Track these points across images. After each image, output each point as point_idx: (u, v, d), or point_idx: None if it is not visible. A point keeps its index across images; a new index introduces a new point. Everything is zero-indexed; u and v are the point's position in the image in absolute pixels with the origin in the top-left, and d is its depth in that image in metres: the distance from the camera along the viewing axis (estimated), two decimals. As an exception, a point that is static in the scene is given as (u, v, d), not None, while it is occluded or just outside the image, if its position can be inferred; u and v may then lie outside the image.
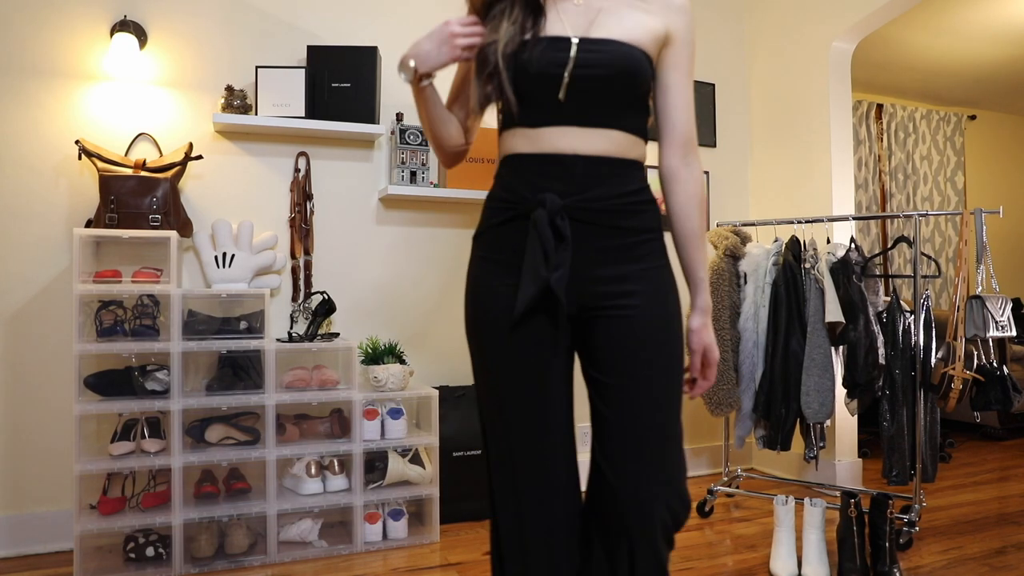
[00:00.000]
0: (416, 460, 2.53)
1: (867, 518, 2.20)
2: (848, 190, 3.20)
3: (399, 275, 2.89)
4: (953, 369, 2.36)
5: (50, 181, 2.45)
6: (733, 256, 2.79)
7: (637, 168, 1.20)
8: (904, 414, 2.52)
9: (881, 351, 2.54)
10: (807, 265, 2.64)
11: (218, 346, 2.31)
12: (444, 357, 2.96)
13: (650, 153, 3.40)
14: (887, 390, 2.55)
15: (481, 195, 2.73)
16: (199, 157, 2.53)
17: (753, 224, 2.94)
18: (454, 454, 2.67)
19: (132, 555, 2.24)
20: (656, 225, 1.22)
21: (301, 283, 2.72)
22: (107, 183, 2.30)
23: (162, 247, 2.53)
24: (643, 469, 1.14)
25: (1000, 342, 4.00)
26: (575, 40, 1.14)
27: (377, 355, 2.54)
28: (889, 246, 2.85)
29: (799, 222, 2.78)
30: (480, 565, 2.29)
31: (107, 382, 2.28)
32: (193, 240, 2.54)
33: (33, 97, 2.44)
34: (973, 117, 5.61)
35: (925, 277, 2.71)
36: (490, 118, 1.30)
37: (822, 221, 2.75)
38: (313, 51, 2.62)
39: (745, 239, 2.84)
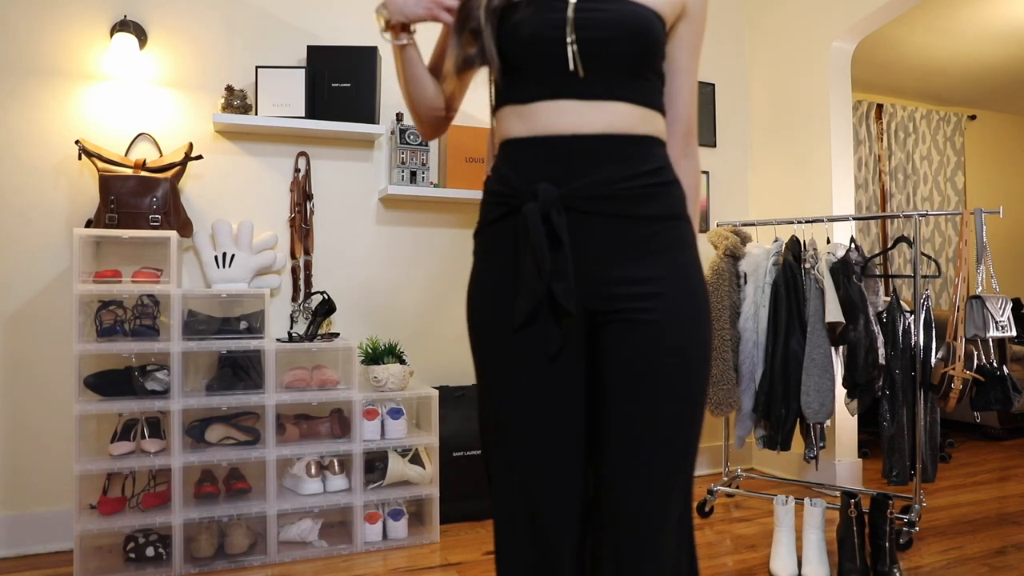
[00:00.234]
0: (416, 460, 2.53)
1: (867, 518, 2.20)
2: (848, 190, 3.20)
3: (399, 275, 2.89)
4: (953, 369, 2.36)
5: (50, 181, 2.45)
6: (733, 256, 2.79)
7: (652, 145, 1.03)
8: (904, 414, 2.52)
9: (881, 351, 2.54)
10: (807, 265, 2.64)
11: (218, 346, 2.31)
12: (444, 357, 2.96)
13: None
14: (887, 390, 2.55)
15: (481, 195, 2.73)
16: (199, 157, 2.53)
17: (753, 224, 2.94)
18: (454, 454, 2.67)
19: (132, 555, 2.24)
20: (679, 210, 1.05)
21: (301, 283, 2.72)
22: (107, 183, 2.30)
23: (162, 247, 2.53)
24: (645, 518, 0.99)
25: (1000, 342, 4.00)
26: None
27: (377, 355, 2.54)
28: (889, 246, 2.85)
29: (799, 222, 2.78)
30: (480, 565, 2.29)
31: (107, 382, 2.28)
32: (193, 240, 2.54)
33: (33, 97, 2.44)
34: (973, 117, 5.61)
35: (925, 277, 2.71)
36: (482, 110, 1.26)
37: (822, 221, 2.75)
38: (313, 51, 2.63)
39: (745, 239, 2.84)
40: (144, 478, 2.41)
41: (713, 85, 3.54)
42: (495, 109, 1.08)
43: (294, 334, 2.53)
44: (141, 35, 2.52)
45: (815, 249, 2.67)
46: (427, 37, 1.54)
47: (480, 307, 1.08)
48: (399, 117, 2.79)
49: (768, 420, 2.66)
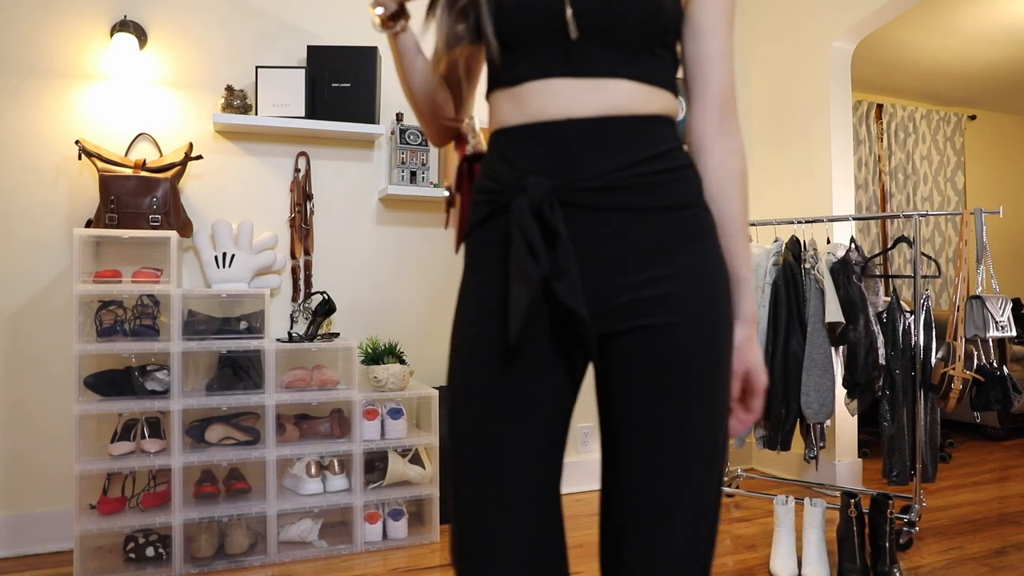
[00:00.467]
0: (416, 460, 2.53)
1: (867, 518, 2.20)
2: (848, 190, 3.20)
3: (399, 275, 2.89)
4: (953, 369, 2.36)
5: (50, 181, 2.45)
6: (733, 256, 2.79)
7: (659, 124, 0.88)
8: (904, 414, 2.52)
9: (881, 351, 2.54)
10: (807, 265, 2.64)
11: (218, 346, 2.31)
12: (444, 357, 2.96)
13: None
14: (887, 390, 2.55)
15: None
16: (199, 157, 2.53)
17: (753, 224, 2.94)
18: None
19: (132, 555, 2.24)
20: (695, 198, 0.89)
21: (301, 283, 2.72)
22: (107, 183, 2.30)
23: (162, 247, 2.53)
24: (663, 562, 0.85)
25: (1000, 342, 4.00)
26: None
27: (377, 355, 2.54)
28: (889, 246, 2.85)
29: (799, 222, 2.78)
30: (480, 565, 2.29)
31: (107, 382, 2.28)
32: (193, 240, 2.54)
33: (33, 97, 2.44)
34: (973, 117, 5.61)
35: (925, 277, 2.71)
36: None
37: (822, 221, 2.75)
38: (313, 51, 2.63)
39: (745, 239, 2.83)
40: (144, 478, 2.41)
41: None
42: (488, 93, 0.96)
43: (294, 334, 2.53)
44: (141, 35, 2.52)
45: (815, 249, 2.67)
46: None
47: (457, 324, 0.93)
48: (399, 117, 2.79)
49: (768, 420, 2.66)
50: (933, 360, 2.47)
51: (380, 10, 0.99)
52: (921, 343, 2.49)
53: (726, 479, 2.93)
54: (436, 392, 2.53)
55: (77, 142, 2.36)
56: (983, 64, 4.67)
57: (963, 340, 2.38)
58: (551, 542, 0.89)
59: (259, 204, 2.70)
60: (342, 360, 2.59)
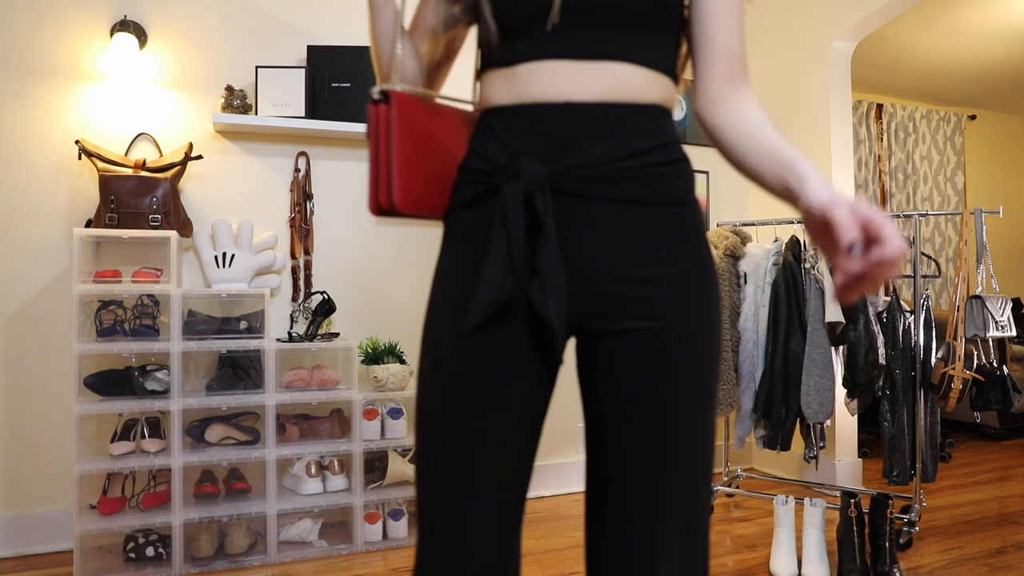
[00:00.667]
0: (416, 460, 2.53)
1: (867, 518, 2.20)
2: (848, 190, 3.20)
3: (399, 275, 2.90)
4: (953, 369, 2.36)
5: (50, 181, 2.45)
6: (733, 256, 2.79)
7: (658, 115, 0.85)
8: (904, 414, 2.52)
9: (881, 351, 2.54)
10: (807, 265, 2.64)
11: (218, 346, 2.31)
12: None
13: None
14: (887, 390, 2.55)
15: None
16: (199, 157, 2.53)
17: (753, 224, 2.94)
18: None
19: (132, 555, 2.24)
20: (688, 195, 0.87)
21: (301, 283, 2.72)
22: (107, 183, 2.30)
23: (162, 247, 2.53)
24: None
25: (1000, 342, 4.00)
26: None
27: (377, 355, 2.54)
28: (889, 246, 2.85)
29: (799, 222, 2.78)
30: (480, 565, 2.29)
31: (107, 382, 2.28)
32: (193, 240, 2.54)
33: (33, 97, 2.44)
34: (973, 117, 5.61)
35: (925, 277, 2.71)
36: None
37: (822, 221, 2.75)
38: (313, 51, 2.63)
39: (745, 239, 2.84)
40: (144, 478, 2.41)
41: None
42: (478, 74, 0.92)
43: (294, 334, 2.53)
44: (141, 35, 2.52)
45: (815, 249, 2.67)
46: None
47: (431, 315, 0.89)
48: (399, 117, 2.79)
49: (768, 420, 2.66)
50: (933, 360, 2.47)
51: None
52: (921, 343, 2.49)
53: (726, 479, 2.93)
54: (436, 392, 2.52)
55: (77, 142, 2.36)
56: (983, 64, 4.67)
57: (963, 340, 2.38)
58: (513, 549, 0.87)
59: (259, 204, 2.70)
60: (342, 360, 2.60)
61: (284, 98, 2.60)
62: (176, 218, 2.40)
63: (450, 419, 0.85)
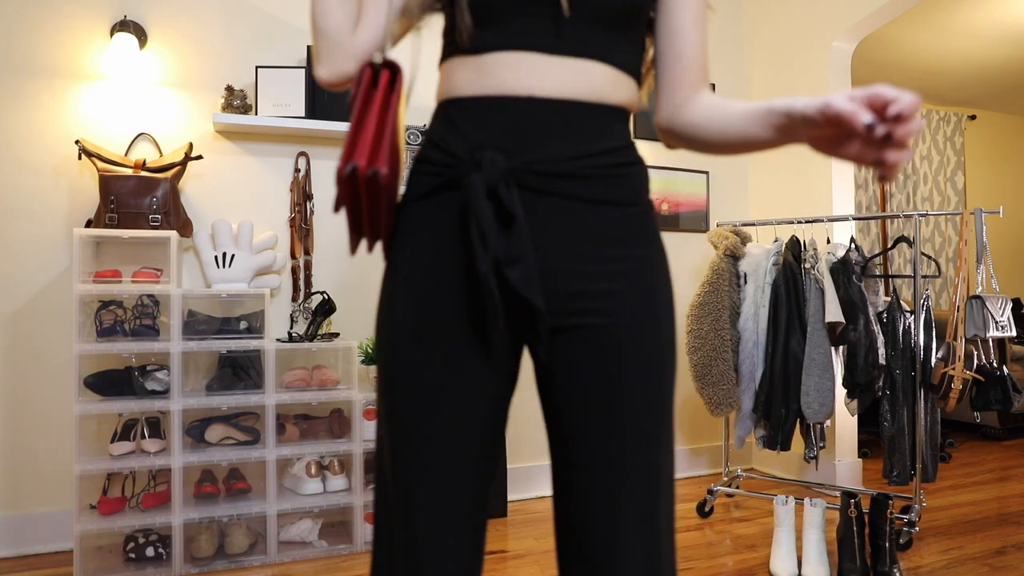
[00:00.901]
0: (416, 460, 2.53)
1: (867, 518, 2.20)
2: (848, 190, 3.20)
3: (399, 275, 2.89)
4: (953, 369, 2.36)
5: (50, 181, 2.45)
6: (733, 256, 2.79)
7: (619, 116, 0.87)
8: (904, 414, 2.52)
9: (881, 351, 2.54)
10: (807, 265, 2.64)
11: (218, 346, 2.31)
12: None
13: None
14: (887, 390, 2.55)
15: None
16: (199, 157, 2.53)
17: (753, 224, 2.94)
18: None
19: (132, 555, 2.24)
20: (643, 196, 0.88)
21: (301, 283, 2.72)
22: (107, 183, 2.30)
23: (162, 247, 2.53)
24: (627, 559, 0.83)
25: (1000, 342, 4.00)
26: None
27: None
28: (889, 246, 2.85)
29: (799, 222, 2.78)
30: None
31: (107, 382, 2.28)
32: (193, 240, 2.54)
33: (33, 97, 2.44)
34: (973, 117, 5.61)
35: (925, 277, 2.71)
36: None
37: (822, 221, 2.75)
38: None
39: (745, 239, 2.84)
40: (144, 478, 2.41)
41: (713, 85, 3.54)
42: (441, 62, 0.89)
43: (294, 334, 2.53)
44: (141, 35, 2.52)
45: (815, 249, 2.67)
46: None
47: (386, 311, 0.86)
48: (399, 117, 2.79)
49: (768, 420, 2.66)
50: (933, 360, 2.47)
51: None
52: (921, 343, 2.49)
53: (726, 479, 2.93)
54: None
55: (77, 142, 2.36)
56: (983, 64, 4.67)
57: (963, 340, 2.38)
58: (478, 550, 0.88)
59: (259, 204, 2.70)
60: (342, 360, 2.60)
61: (284, 98, 2.60)
62: (176, 218, 2.40)
63: (424, 419, 0.83)
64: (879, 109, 0.69)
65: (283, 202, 2.73)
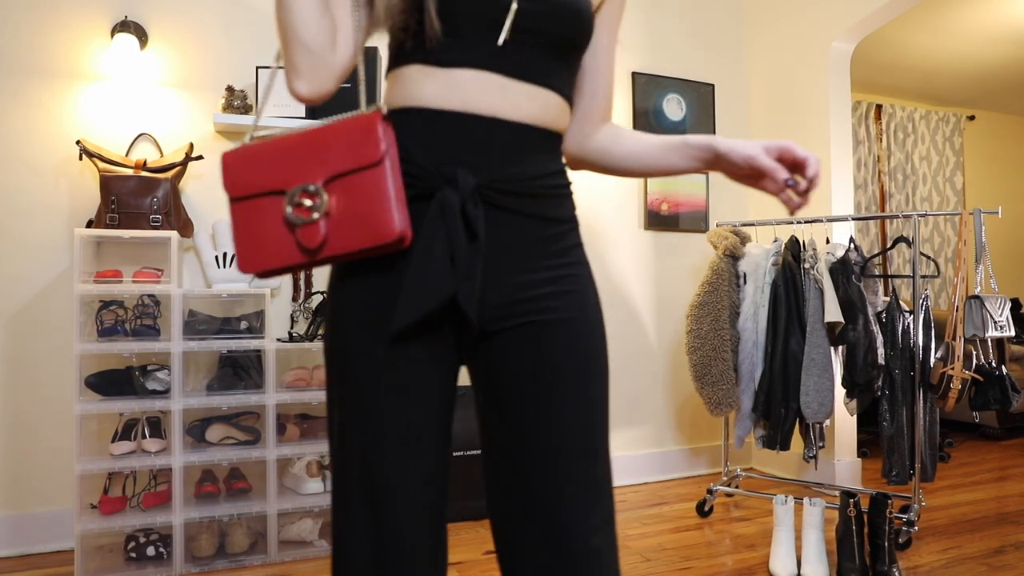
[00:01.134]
0: (416, 460, 2.53)
1: (866, 518, 2.20)
2: (847, 190, 3.21)
3: (399, 275, 2.90)
4: (952, 369, 2.37)
5: (51, 181, 2.46)
6: (732, 256, 2.80)
7: (559, 142, 0.95)
8: (903, 414, 2.53)
9: (880, 351, 2.54)
10: (806, 265, 2.64)
11: (218, 346, 2.31)
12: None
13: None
14: (886, 390, 2.56)
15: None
16: (200, 157, 2.53)
17: (752, 224, 2.95)
18: (454, 454, 2.67)
19: (133, 554, 2.24)
20: (575, 214, 0.97)
21: (301, 283, 2.72)
22: (108, 183, 2.31)
23: (163, 247, 2.53)
24: (591, 535, 0.88)
25: (999, 342, 4.01)
26: None
27: (377, 355, 2.54)
28: (888, 246, 2.86)
29: (798, 222, 2.79)
30: (480, 565, 2.29)
31: (108, 382, 2.28)
32: (194, 240, 2.54)
33: (34, 97, 2.45)
34: (972, 117, 5.62)
35: (924, 277, 2.72)
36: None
37: (821, 221, 2.76)
38: (313, 51, 2.63)
39: (744, 239, 2.84)
40: (145, 478, 2.42)
41: (713, 86, 3.55)
42: (395, 66, 0.91)
43: (294, 334, 2.53)
44: (142, 35, 2.52)
45: (814, 249, 2.68)
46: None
47: (345, 316, 0.89)
48: (399, 117, 2.80)
49: (767, 420, 2.66)
50: (932, 360, 2.48)
51: None
52: (920, 343, 2.49)
53: (726, 479, 2.94)
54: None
55: (78, 142, 2.36)
56: (982, 64, 4.68)
57: (962, 340, 2.39)
58: (439, 539, 0.92)
59: (259, 204, 2.70)
60: (342, 360, 2.60)
61: (285, 98, 2.60)
62: (177, 218, 2.40)
63: (386, 426, 0.87)
64: (788, 162, 0.90)
65: (283, 202, 2.73)
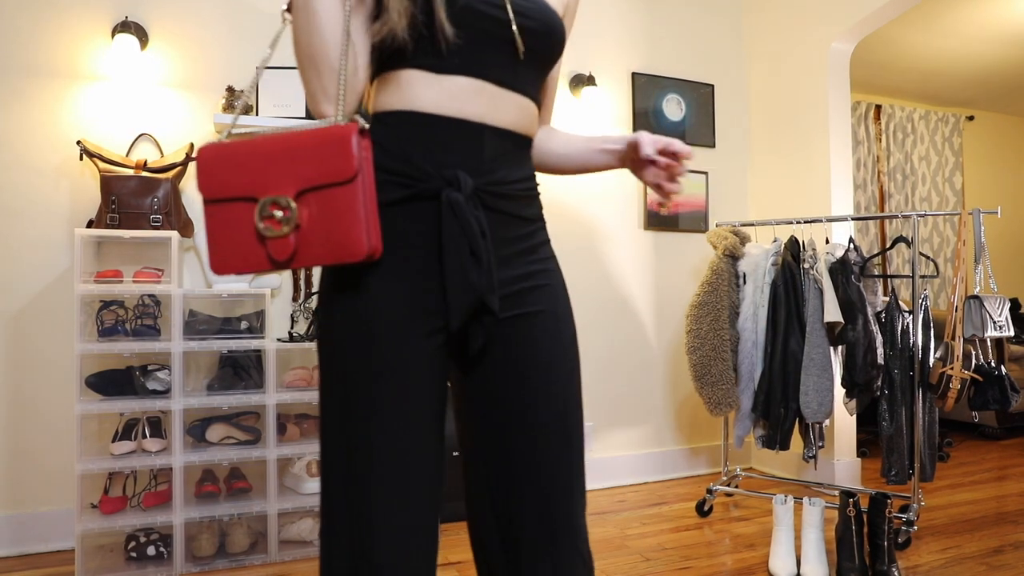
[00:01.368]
0: (416, 459, 2.53)
1: (866, 517, 2.20)
2: (847, 190, 3.21)
3: (399, 275, 2.90)
4: (951, 369, 2.37)
5: (52, 181, 2.46)
6: (732, 256, 2.80)
7: (531, 148, 1.05)
8: (903, 414, 2.53)
9: (880, 351, 2.55)
10: (806, 265, 2.65)
11: (219, 346, 2.31)
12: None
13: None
14: (886, 390, 2.56)
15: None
16: (200, 157, 2.53)
17: (752, 224, 2.95)
18: (454, 454, 2.68)
19: (133, 554, 2.25)
20: (542, 213, 1.06)
21: (301, 283, 2.73)
22: (108, 183, 2.31)
23: (163, 247, 2.53)
24: (572, 510, 0.99)
25: (998, 342, 4.01)
26: None
27: (377, 355, 2.54)
28: (888, 246, 2.86)
29: (798, 222, 2.79)
30: (480, 564, 2.29)
31: (108, 382, 2.28)
32: (194, 240, 2.54)
33: (35, 98, 2.45)
34: (971, 118, 5.63)
35: (923, 277, 2.72)
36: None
37: (821, 221, 2.76)
38: (314, 52, 2.63)
39: (744, 239, 2.85)
40: (145, 477, 2.42)
41: (712, 86, 3.55)
42: (387, 69, 0.94)
43: (295, 334, 2.53)
44: (142, 36, 2.53)
45: (814, 249, 2.68)
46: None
47: (353, 315, 0.91)
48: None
49: (767, 420, 2.67)
50: (931, 360, 2.48)
51: None
52: (919, 343, 2.50)
53: (725, 478, 2.94)
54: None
55: (79, 142, 2.37)
56: (981, 65, 4.68)
57: (961, 340, 2.39)
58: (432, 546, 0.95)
59: (260, 204, 2.70)
60: (342, 360, 2.60)
61: (285, 99, 2.61)
62: (177, 218, 2.41)
63: (393, 418, 0.90)
64: (666, 151, 1.03)
65: (284, 202, 2.73)
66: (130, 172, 2.37)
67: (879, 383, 2.57)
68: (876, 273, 3.17)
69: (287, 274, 2.72)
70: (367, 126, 0.89)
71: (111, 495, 2.30)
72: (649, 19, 3.44)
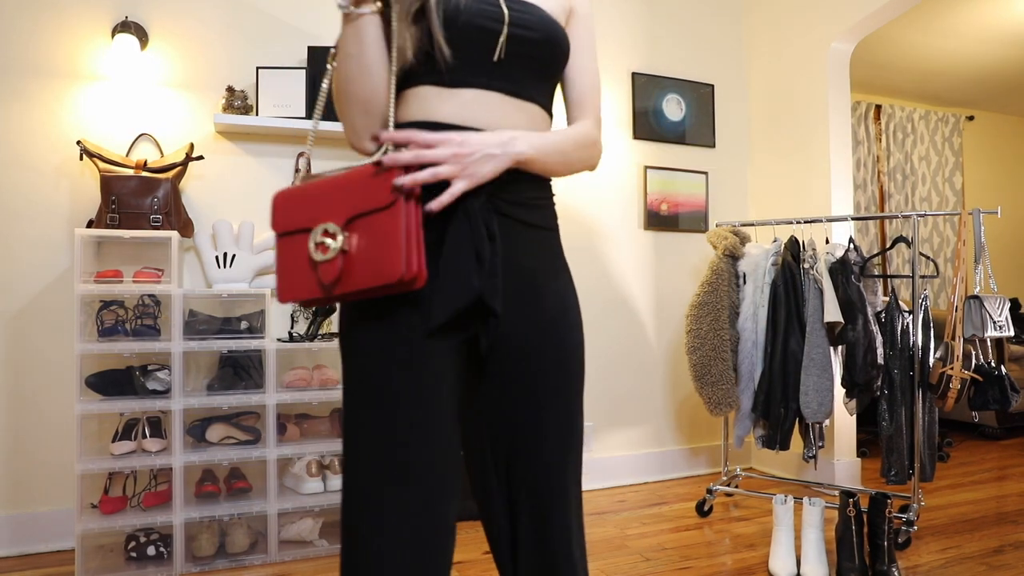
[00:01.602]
0: (416, 459, 2.53)
1: (866, 517, 2.21)
2: (847, 190, 3.21)
3: (399, 275, 2.90)
4: (951, 369, 2.37)
5: (51, 181, 2.46)
6: (732, 256, 2.80)
7: None
8: (903, 414, 2.53)
9: (880, 351, 2.55)
10: (806, 265, 2.65)
11: (219, 346, 2.32)
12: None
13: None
14: (886, 390, 2.56)
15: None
16: (200, 158, 2.54)
17: (752, 224, 2.95)
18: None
19: (133, 554, 2.25)
20: (556, 222, 1.10)
21: (302, 283, 2.72)
22: (108, 183, 2.31)
23: (163, 247, 2.54)
24: (568, 501, 1.04)
25: (998, 342, 4.01)
26: None
27: (377, 355, 2.54)
28: (888, 246, 2.86)
29: (798, 222, 2.79)
30: (480, 564, 2.30)
31: (108, 382, 2.28)
32: (194, 240, 2.54)
33: (35, 98, 2.45)
34: (971, 118, 5.63)
35: (923, 277, 2.72)
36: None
37: (821, 221, 2.76)
38: (313, 51, 2.63)
39: (744, 239, 2.85)
40: (145, 477, 2.42)
41: (712, 86, 3.55)
42: (407, 87, 1.00)
43: (295, 334, 2.53)
44: (142, 36, 2.53)
45: (814, 249, 2.68)
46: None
47: (374, 315, 0.95)
48: (399, 117, 2.80)
49: (767, 419, 2.67)
50: (931, 360, 2.48)
51: None
52: (919, 343, 2.50)
53: (725, 478, 2.94)
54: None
55: (78, 142, 2.37)
56: (981, 65, 4.68)
57: (961, 340, 2.39)
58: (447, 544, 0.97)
59: (260, 204, 2.70)
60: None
61: (285, 99, 2.61)
62: (177, 218, 2.41)
63: (419, 421, 0.93)
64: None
65: (284, 202, 2.73)
66: (130, 172, 2.37)
67: (879, 383, 2.57)
68: (876, 273, 3.17)
69: (287, 274, 2.72)
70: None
71: (111, 495, 2.30)
72: (649, 19, 3.44)
